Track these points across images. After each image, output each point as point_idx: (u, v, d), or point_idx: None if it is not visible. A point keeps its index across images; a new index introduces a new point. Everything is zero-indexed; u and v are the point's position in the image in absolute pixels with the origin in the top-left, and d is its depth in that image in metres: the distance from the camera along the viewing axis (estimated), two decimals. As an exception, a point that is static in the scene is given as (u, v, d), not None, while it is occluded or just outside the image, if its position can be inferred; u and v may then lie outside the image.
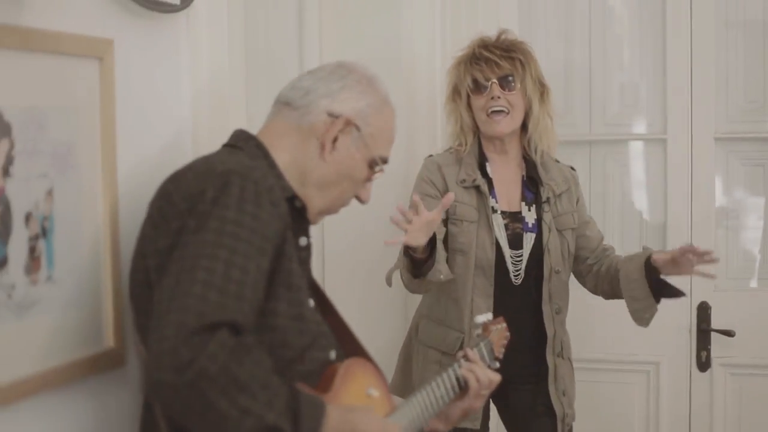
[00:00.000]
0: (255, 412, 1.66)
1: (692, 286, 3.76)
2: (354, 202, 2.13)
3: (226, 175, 1.81)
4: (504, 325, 2.69)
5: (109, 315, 1.95)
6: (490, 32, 3.48)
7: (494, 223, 3.08)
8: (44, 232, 1.77)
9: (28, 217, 1.73)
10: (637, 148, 4.01)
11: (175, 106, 2.21)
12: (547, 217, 3.14)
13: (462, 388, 2.33)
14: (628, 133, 3.95)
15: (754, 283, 3.95)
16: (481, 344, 2.52)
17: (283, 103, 2.07)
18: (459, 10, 3.84)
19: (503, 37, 3.17)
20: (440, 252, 2.85)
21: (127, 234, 2.00)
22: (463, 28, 3.79)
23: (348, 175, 2.07)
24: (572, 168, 3.33)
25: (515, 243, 3.10)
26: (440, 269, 2.84)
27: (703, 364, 3.81)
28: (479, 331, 2.62)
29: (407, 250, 2.77)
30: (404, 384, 3.19)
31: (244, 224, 1.76)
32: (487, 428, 3.24)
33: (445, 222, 3.07)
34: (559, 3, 4.02)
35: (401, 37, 3.62)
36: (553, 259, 3.12)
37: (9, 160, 1.67)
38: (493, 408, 3.28)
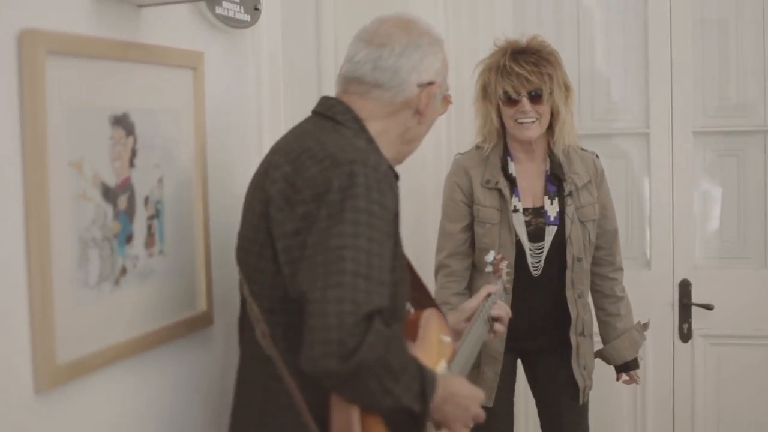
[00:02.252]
0: (395, 393, 1.83)
1: (674, 265, 3.96)
2: None
3: (350, 165, 1.90)
4: (506, 261, 2.89)
5: (202, 283, 2.22)
6: (489, 30, 3.66)
7: (515, 222, 3.18)
8: (157, 214, 2.04)
9: (146, 201, 2.01)
10: (622, 141, 4.11)
11: (245, 104, 2.47)
12: (569, 210, 3.21)
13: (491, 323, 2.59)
14: (614, 127, 4.07)
15: (729, 262, 4.06)
16: (499, 282, 2.73)
17: (371, 85, 2.12)
18: (459, 10, 3.89)
19: (533, 43, 3.22)
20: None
21: (215, 213, 2.27)
22: (464, 28, 3.89)
23: (433, 122, 2.23)
24: (596, 156, 3.39)
25: (536, 236, 3.19)
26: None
27: (685, 336, 3.98)
28: (490, 269, 2.80)
29: None
30: None
31: (374, 213, 1.87)
32: (511, 405, 3.42)
33: (472, 224, 3.24)
34: (550, 3, 4.10)
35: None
36: (575, 248, 3.21)
37: (133, 153, 1.95)
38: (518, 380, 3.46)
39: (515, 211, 3.20)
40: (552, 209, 3.22)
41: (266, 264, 1.98)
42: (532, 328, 3.25)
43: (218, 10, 2.26)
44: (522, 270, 3.20)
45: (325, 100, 2.17)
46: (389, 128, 2.14)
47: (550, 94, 3.16)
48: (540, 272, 3.21)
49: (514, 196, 3.21)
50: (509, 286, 2.90)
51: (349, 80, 2.16)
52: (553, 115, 3.23)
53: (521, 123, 3.17)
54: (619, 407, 4.03)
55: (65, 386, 1.79)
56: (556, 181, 3.25)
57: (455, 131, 3.85)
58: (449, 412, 2.03)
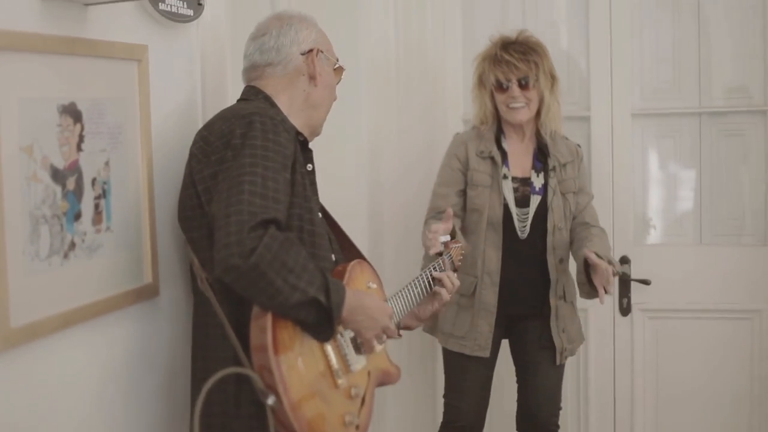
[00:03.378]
0: (300, 287, 2.13)
1: (614, 242, 4.09)
2: None
3: (249, 116, 2.28)
4: (461, 245, 3.12)
5: (148, 257, 2.41)
6: (437, 26, 3.92)
7: (504, 188, 3.53)
8: (104, 193, 2.22)
9: (93, 182, 2.18)
10: (564, 125, 4.02)
11: (188, 92, 2.64)
12: (552, 182, 3.56)
13: (430, 291, 2.81)
14: None
15: (665, 239, 4.28)
16: (444, 256, 2.96)
17: (264, 65, 2.53)
18: (409, 13, 4.12)
19: (521, 37, 3.60)
20: (458, 233, 3.22)
21: (160, 193, 2.46)
22: (414, 27, 4.12)
23: (330, 86, 2.61)
24: (578, 145, 3.75)
25: (522, 203, 3.54)
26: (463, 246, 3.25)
27: (625, 310, 4.20)
28: (441, 248, 3.03)
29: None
30: (432, 324, 3.66)
31: (269, 148, 2.23)
32: (496, 357, 3.67)
33: (465, 189, 3.56)
34: None
35: (360, 42, 3.81)
36: (556, 216, 3.55)
37: (81, 139, 2.13)
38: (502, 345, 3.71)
39: (505, 177, 3.52)
40: (537, 181, 3.57)
41: (197, 217, 2.31)
42: (518, 291, 3.55)
43: (161, 6, 2.43)
44: (510, 233, 3.55)
45: (245, 89, 2.58)
46: (293, 97, 2.54)
47: (537, 80, 3.53)
48: (526, 236, 3.54)
49: (504, 165, 3.56)
50: (458, 263, 3.12)
51: (247, 71, 2.59)
52: (540, 101, 3.59)
53: (512, 107, 3.54)
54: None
55: (19, 348, 1.96)
56: (542, 158, 3.61)
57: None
58: (360, 320, 2.36)
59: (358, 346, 2.44)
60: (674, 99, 4.21)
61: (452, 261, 3.03)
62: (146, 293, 2.42)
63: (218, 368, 2.21)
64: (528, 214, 3.54)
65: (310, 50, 2.55)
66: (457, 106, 4.39)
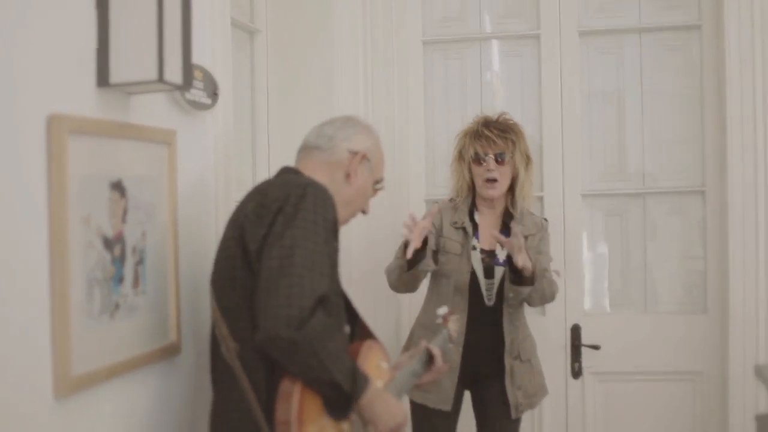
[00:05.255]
0: (330, 370, 2.28)
1: (566, 312, 4.34)
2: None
3: (304, 187, 2.43)
4: (457, 316, 3.36)
5: (173, 318, 2.67)
6: (401, 111, 4.19)
7: (473, 258, 3.73)
8: (141, 260, 2.50)
9: (134, 250, 2.46)
10: None
11: (205, 171, 2.93)
12: None
13: (429, 363, 3.01)
14: None
15: (613, 309, 4.46)
16: (444, 331, 3.19)
17: (312, 148, 2.71)
18: (379, 87, 4.31)
19: (501, 118, 3.82)
20: (429, 251, 3.51)
21: (183, 261, 2.73)
22: (382, 102, 4.32)
23: (362, 194, 2.75)
24: (545, 219, 3.96)
25: (489, 273, 3.73)
26: (428, 262, 3.54)
27: (576, 373, 4.36)
28: (440, 321, 3.27)
29: (405, 251, 3.45)
30: None
31: (319, 222, 2.37)
32: (458, 411, 3.87)
33: (437, 253, 3.77)
34: (456, 80, 4.52)
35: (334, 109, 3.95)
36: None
37: (125, 212, 2.41)
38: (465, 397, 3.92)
39: (474, 248, 3.75)
40: (502, 254, 3.74)
41: (238, 282, 2.44)
42: (480, 352, 3.76)
43: (188, 96, 2.75)
44: (476, 299, 3.74)
45: (283, 169, 2.72)
46: (327, 185, 2.58)
47: (512, 157, 3.72)
48: (493, 303, 3.72)
49: (474, 237, 3.76)
50: (455, 335, 3.37)
51: (299, 150, 2.76)
52: (514, 179, 3.78)
53: (486, 182, 3.73)
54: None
55: (76, 395, 2.23)
56: (508, 232, 3.73)
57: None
58: (377, 412, 2.48)
59: None
60: (620, 181, 4.40)
61: (449, 336, 3.25)
62: (171, 351, 2.68)
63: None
64: (494, 283, 3.73)
65: (357, 152, 2.71)
66: (419, 187, 4.60)
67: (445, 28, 4.61)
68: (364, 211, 2.84)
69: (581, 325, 4.39)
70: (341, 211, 2.66)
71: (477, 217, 3.85)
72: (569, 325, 4.40)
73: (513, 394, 3.76)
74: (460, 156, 3.86)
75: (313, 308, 2.26)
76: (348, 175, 2.71)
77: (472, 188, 3.87)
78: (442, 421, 3.83)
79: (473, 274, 3.74)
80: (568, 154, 4.43)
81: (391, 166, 4.25)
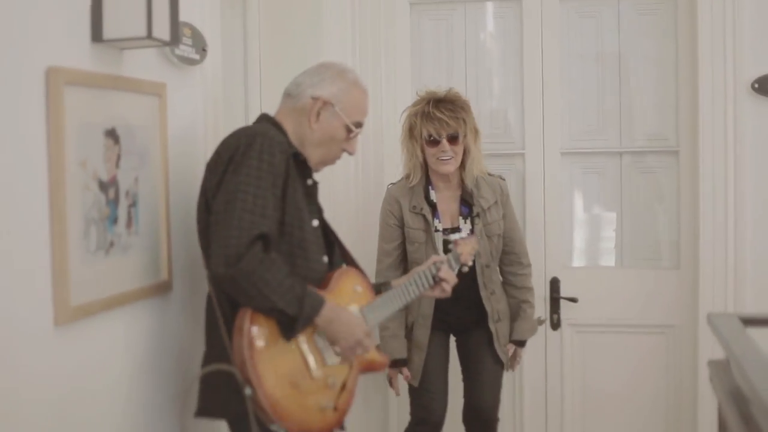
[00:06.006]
0: (271, 299, 2.49)
1: (546, 265, 4.43)
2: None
3: (253, 136, 2.60)
4: (474, 238, 3.50)
5: (164, 257, 2.85)
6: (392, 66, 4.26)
7: (437, 241, 3.81)
8: (134, 203, 2.67)
9: (127, 193, 2.64)
10: (503, 161, 4.49)
11: (193, 121, 3.09)
12: (477, 228, 3.83)
13: (433, 284, 3.13)
14: (496, 150, 4.46)
15: (591, 263, 4.57)
16: (450, 255, 3.32)
17: (286, 95, 2.85)
18: (366, 47, 4.44)
19: (450, 95, 3.85)
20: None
21: (175, 204, 2.90)
22: (370, 62, 4.43)
23: (332, 137, 2.83)
24: (502, 178, 3.99)
25: None
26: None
27: (555, 325, 4.44)
28: (452, 245, 3.40)
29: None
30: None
31: (263, 168, 2.54)
32: (447, 372, 4.03)
33: (404, 242, 3.89)
34: (442, 41, 4.58)
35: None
36: (483, 258, 3.83)
37: (118, 158, 2.59)
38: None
39: (436, 230, 3.84)
40: (465, 227, 3.86)
41: (206, 222, 2.65)
42: (459, 316, 3.93)
43: (177, 51, 2.93)
44: None
45: (259, 116, 2.92)
46: (295, 130, 2.82)
47: (465, 136, 3.78)
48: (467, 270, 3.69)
49: (435, 219, 3.85)
50: (467, 257, 3.47)
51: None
52: (465, 153, 3.84)
53: (441, 160, 3.78)
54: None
55: (74, 324, 2.42)
56: (467, 204, 3.87)
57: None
58: (336, 330, 2.68)
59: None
60: (598, 140, 4.46)
61: (458, 257, 3.36)
62: (163, 288, 2.87)
63: (216, 356, 2.63)
64: None
65: (318, 98, 2.81)
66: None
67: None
68: (349, 153, 2.94)
69: (560, 278, 4.47)
70: (312, 154, 2.83)
71: (434, 195, 3.91)
72: (548, 278, 4.48)
73: (502, 353, 3.97)
74: (411, 134, 3.89)
75: (249, 245, 2.46)
76: (309, 119, 2.81)
77: (425, 165, 3.91)
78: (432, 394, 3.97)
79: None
80: (549, 114, 4.49)
81: (379, 124, 4.44)
